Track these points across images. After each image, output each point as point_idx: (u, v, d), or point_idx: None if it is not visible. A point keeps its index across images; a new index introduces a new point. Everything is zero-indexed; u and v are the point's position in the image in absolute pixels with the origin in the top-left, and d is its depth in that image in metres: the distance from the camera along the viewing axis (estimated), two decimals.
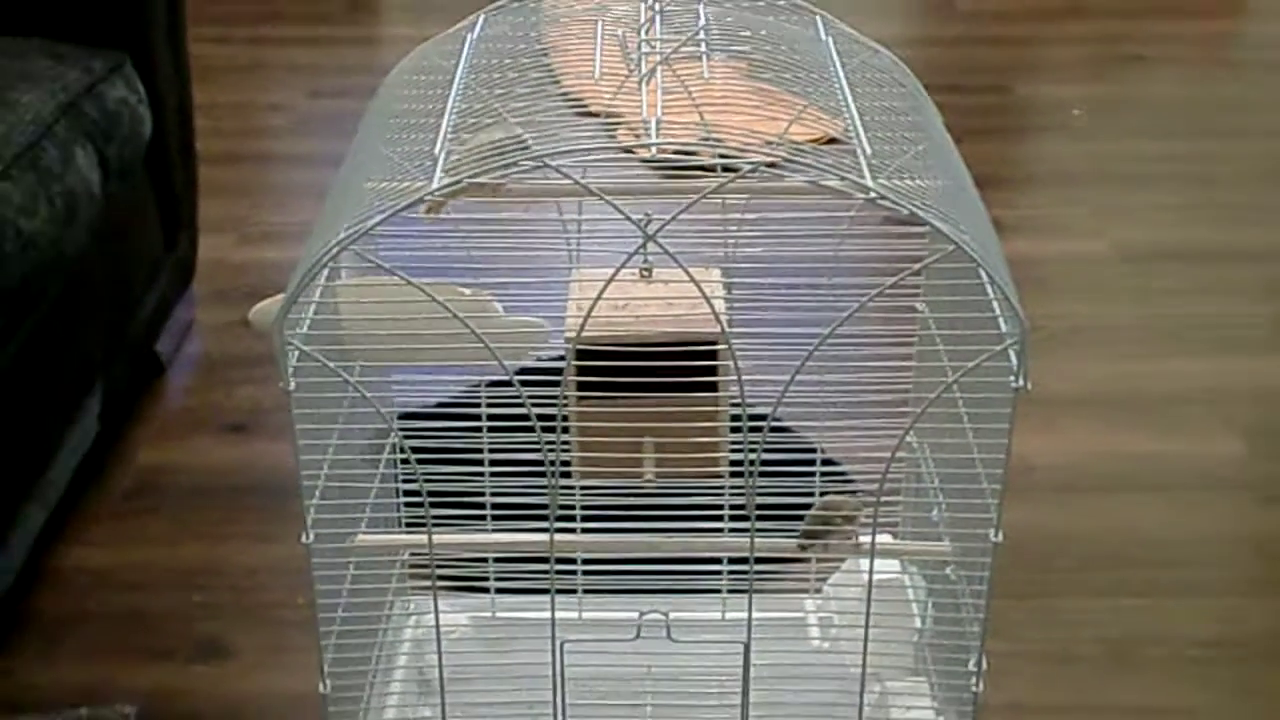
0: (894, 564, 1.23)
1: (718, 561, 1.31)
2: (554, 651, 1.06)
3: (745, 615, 1.04)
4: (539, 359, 1.11)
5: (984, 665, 1.05)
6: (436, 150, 0.93)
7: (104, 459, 1.79)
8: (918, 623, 1.22)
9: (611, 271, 0.92)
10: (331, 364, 0.95)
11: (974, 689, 1.05)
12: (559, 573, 1.03)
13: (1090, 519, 1.74)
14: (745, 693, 1.08)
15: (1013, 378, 0.94)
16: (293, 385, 0.95)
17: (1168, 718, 1.47)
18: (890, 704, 1.17)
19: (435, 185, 0.90)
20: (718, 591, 1.33)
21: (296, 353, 0.95)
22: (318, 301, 1.01)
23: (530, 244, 1.18)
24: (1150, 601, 1.62)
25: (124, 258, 1.79)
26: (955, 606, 1.10)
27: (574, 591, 1.30)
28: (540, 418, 0.94)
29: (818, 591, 1.34)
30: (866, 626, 1.05)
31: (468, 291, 1.04)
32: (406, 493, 1.26)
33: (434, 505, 1.01)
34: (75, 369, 1.66)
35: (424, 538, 1.02)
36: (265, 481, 1.77)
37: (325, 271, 0.99)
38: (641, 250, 0.91)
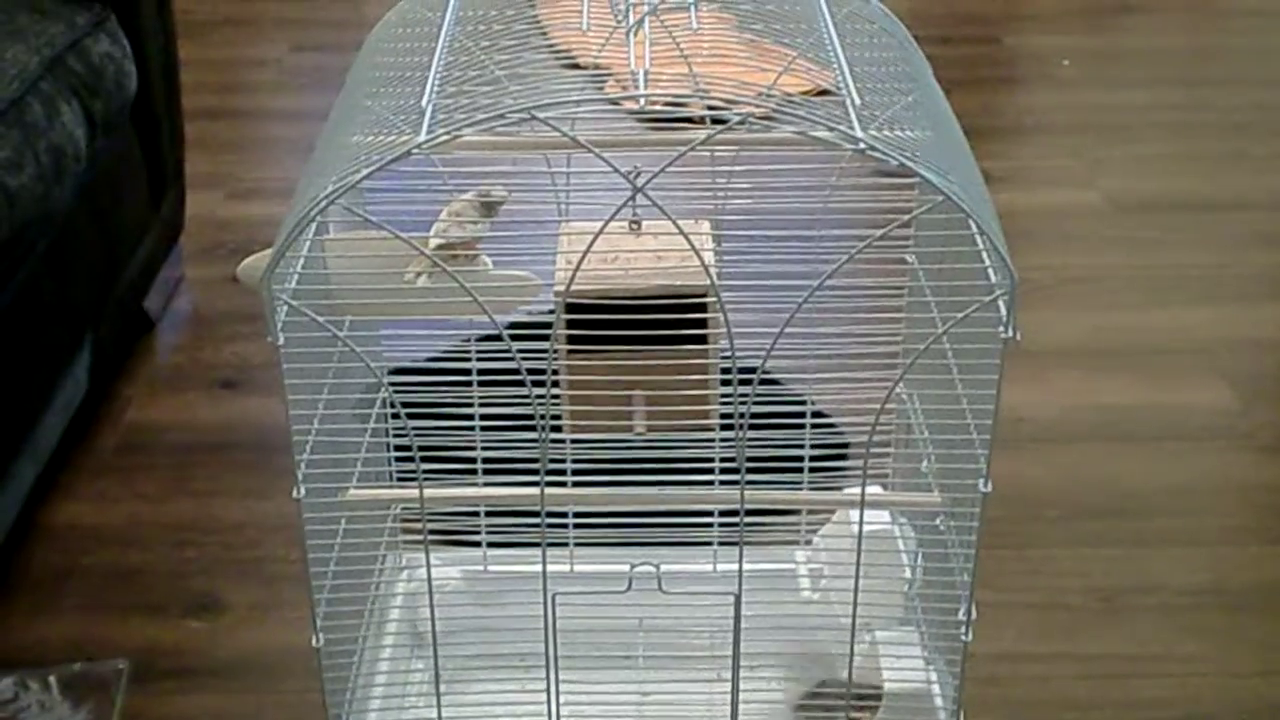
0: (884, 515, 1.23)
1: (709, 514, 1.32)
2: (546, 604, 1.06)
3: (736, 567, 1.04)
4: (529, 313, 1.11)
5: (973, 615, 1.05)
6: (424, 103, 0.92)
7: (94, 416, 1.79)
8: (907, 573, 1.22)
9: (600, 224, 0.91)
10: (320, 319, 0.95)
11: (963, 638, 1.05)
12: (550, 527, 1.03)
13: (1079, 469, 1.75)
14: (736, 643, 1.08)
15: (1002, 329, 0.93)
16: (282, 340, 0.94)
17: (1157, 665, 1.48)
18: (880, 653, 1.17)
19: (423, 138, 0.89)
20: (709, 544, 1.33)
21: (285, 308, 0.95)
22: (306, 256, 1.01)
23: (518, 198, 1.18)
24: (1139, 551, 1.63)
25: (111, 214, 1.78)
26: (944, 557, 1.10)
27: (565, 545, 1.30)
28: (530, 372, 0.94)
29: (808, 543, 1.34)
30: (856, 577, 1.05)
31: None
32: (397, 448, 1.26)
33: (425, 460, 1.01)
34: (64, 326, 1.66)
35: (415, 492, 1.02)
36: (255, 437, 1.77)
37: (313, 226, 0.98)
38: (630, 202, 0.91)
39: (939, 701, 1.16)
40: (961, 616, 1.05)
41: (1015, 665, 1.45)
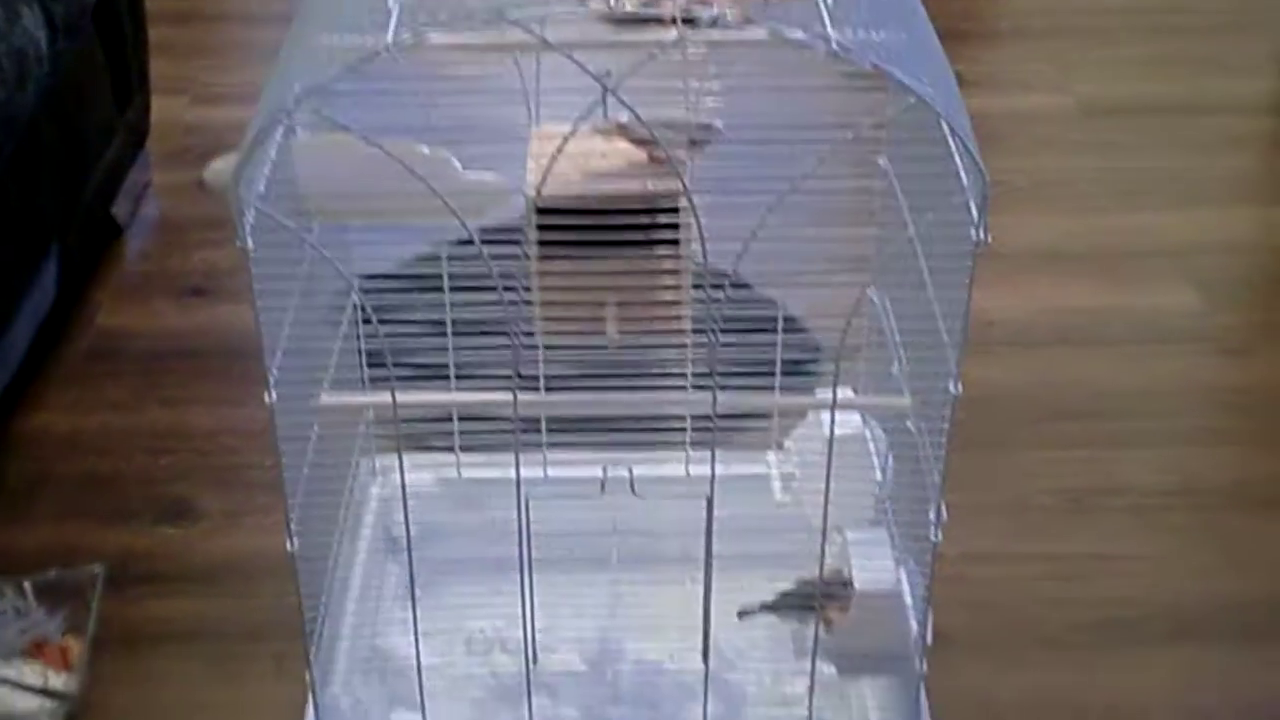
0: (855, 418, 1.24)
1: (681, 419, 1.33)
2: (519, 507, 1.07)
3: (708, 471, 1.05)
4: (500, 219, 1.11)
5: (943, 515, 1.06)
6: (390, 4, 0.91)
7: (63, 323, 1.78)
8: (878, 475, 1.23)
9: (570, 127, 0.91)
10: (289, 223, 0.94)
11: (933, 539, 1.07)
12: (523, 431, 1.04)
13: (1049, 372, 1.76)
14: (708, 545, 1.10)
15: (973, 231, 0.93)
16: (250, 245, 0.94)
17: (1125, 564, 1.50)
18: (851, 554, 1.18)
19: (389, 39, 0.88)
20: (681, 448, 1.34)
21: (253, 212, 0.94)
22: (274, 160, 1.00)
23: (488, 101, 1.16)
24: (1107, 452, 1.64)
25: (76, 119, 1.75)
26: (915, 459, 1.11)
27: (539, 449, 1.31)
28: (502, 276, 0.94)
29: (780, 447, 1.35)
30: (828, 480, 1.06)
31: (426, 150, 1.03)
32: (369, 354, 1.26)
33: (397, 366, 1.01)
34: (31, 232, 1.64)
35: (387, 397, 1.02)
36: (226, 344, 1.76)
37: (280, 129, 0.97)
38: (601, 104, 0.89)
39: (909, 600, 1.18)
40: (931, 517, 1.07)
41: (984, 565, 1.47)
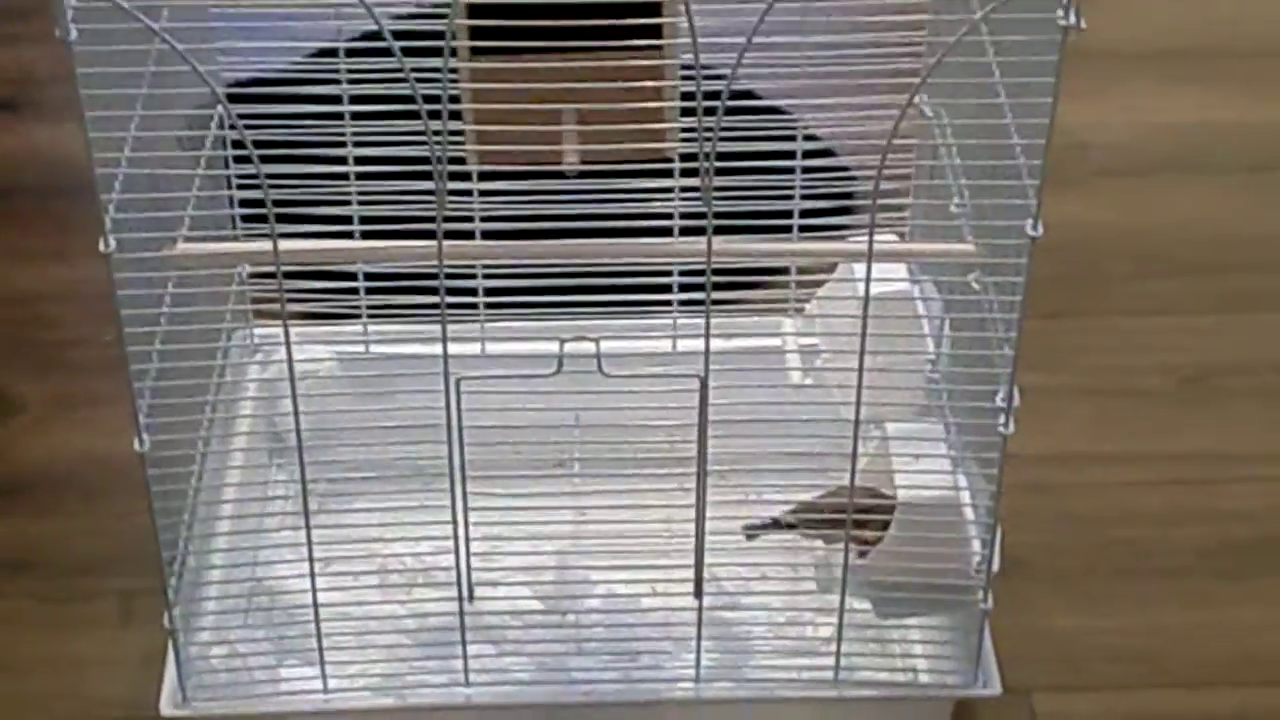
0: (899, 271, 1.23)
1: (666, 274, 1.32)
2: (448, 394, 1.06)
3: (700, 343, 1.05)
4: (418, 4, 1.11)
5: (1015, 401, 1.06)
6: None
7: None
8: (930, 348, 1.23)
9: None
10: (128, 4, 0.91)
11: (1002, 430, 1.07)
12: (453, 293, 1.04)
13: (1158, 211, 1.77)
14: (702, 442, 1.09)
15: (1059, 14, 0.92)
16: (74, 35, 0.92)
17: (1245, 467, 1.52)
18: (893, 454, 1.18)
19: None
20: (667, 315, 1.34)
21: None
22: None
23: None
24: (1230, 319, 1.66)
25: None
26: (979, 325, 1.11)
27: (474, 312, 1.32)
28: (421, 83, 0.93)
29: (799, 312, 1.36)
30: (861, 354, 1.05)
31: None
32: (241, 188, 1.25)
33: (280, 206, 1.01)
34: None
35: (266, 245, 1.01)
36: (46, 178, 1.75)
37: None
38: None
39: (969, 514, 1.18)
40: (1000, 402, 1.06)
41: (1067, 469, 1.49)
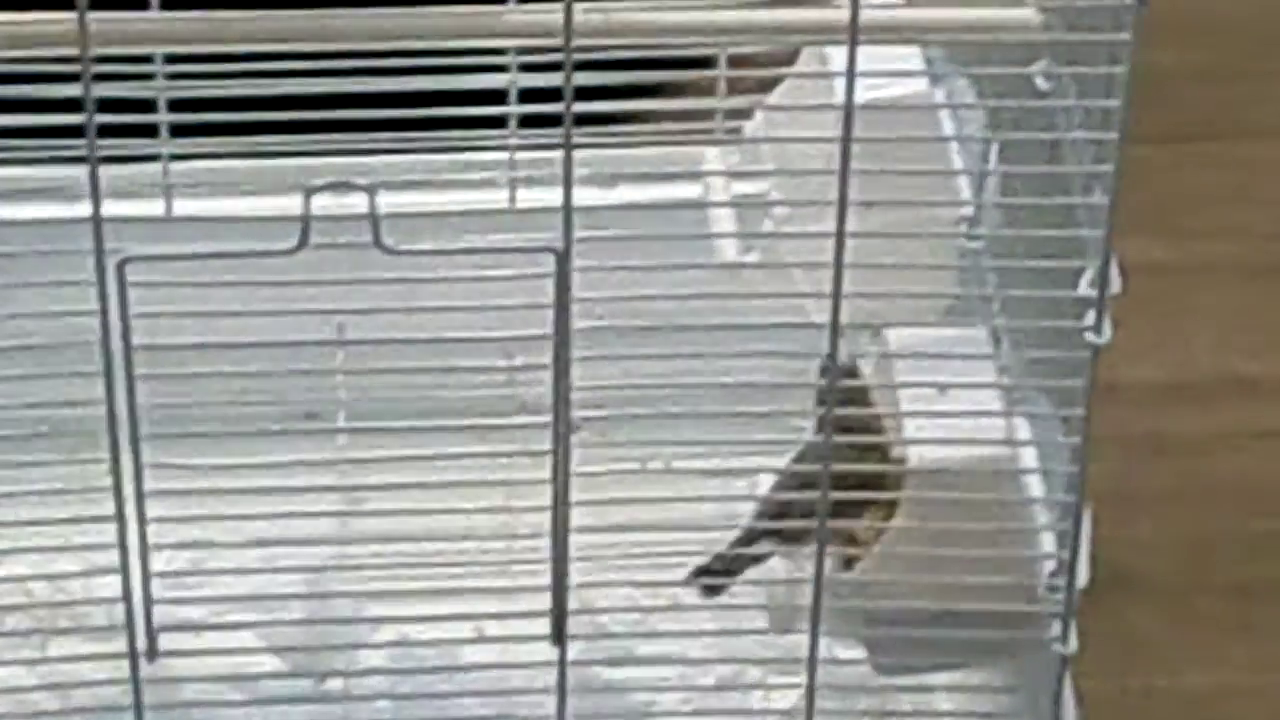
0: (910, 61, 1.23)
1: (501, 74, 1.33)
2: (102, 286, 1.04)
3: (556, 194, 1.02)
4: None
5: (1115, 287, 1.05)
6: None
7: None
8: (964, 193, 1.25)
9: None
10: None
11: (1092, 338, 1.06)
12: (112, 111, 1.08)
13: None
14: (561, 374, 1.02)
15: None
16: None
17: None
18: (901, 381, 1.16)
19: None
20: (501, 141, 1.36)
21: None
22: None
23: None
24: None
25: None
26: (1050, 152, 1.11)
27: (151, 141, 1.33)
28: None
29: (733, 132, 1.40)
30: (842, 206, 1.02)
31: None
32: None
33: None
34: None
35: None
36: None
37: None
38: None
39: (1034, 489, 1.17)
40: (1087, 289, 1.05)
41: (1205, 411, 1.58)
